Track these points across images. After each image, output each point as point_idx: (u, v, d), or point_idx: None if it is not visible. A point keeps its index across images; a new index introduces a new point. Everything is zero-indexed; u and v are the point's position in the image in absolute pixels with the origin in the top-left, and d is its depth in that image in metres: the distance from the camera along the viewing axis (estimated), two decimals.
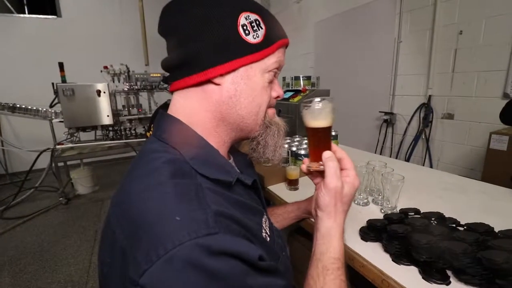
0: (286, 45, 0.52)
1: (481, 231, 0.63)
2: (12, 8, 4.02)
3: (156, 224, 0.33)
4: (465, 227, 0.67)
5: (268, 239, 0.47)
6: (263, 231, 0.47)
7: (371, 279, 0.61)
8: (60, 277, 1.93)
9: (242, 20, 0.45)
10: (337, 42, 3.33)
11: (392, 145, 2.90)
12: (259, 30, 0.46)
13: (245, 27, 0.45)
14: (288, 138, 1.38)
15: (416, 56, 2.51)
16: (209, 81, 0.46)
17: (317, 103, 0.51)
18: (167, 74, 0.52)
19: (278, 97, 0.53)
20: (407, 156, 2.68)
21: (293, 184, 1.05)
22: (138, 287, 0.31)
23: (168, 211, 0.34)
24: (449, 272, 0.57)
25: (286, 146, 1.20)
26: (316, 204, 0.51)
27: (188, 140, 0.46)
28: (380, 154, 2.94)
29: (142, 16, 3.22)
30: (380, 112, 2.91)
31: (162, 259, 0.30)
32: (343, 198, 0.49)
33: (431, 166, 2.53)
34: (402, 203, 0.86)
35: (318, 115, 0.51)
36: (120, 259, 0.34)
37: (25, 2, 4.09)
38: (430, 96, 2.44)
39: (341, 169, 0.51)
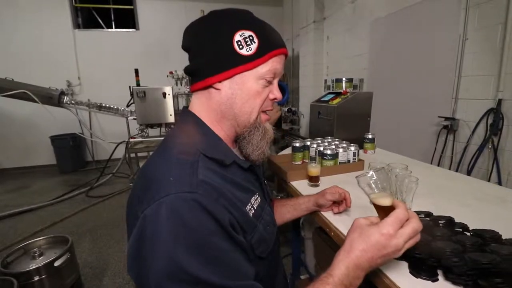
0: (284, 55, 0.61)
1: (486, 236, 0.62)
2: (103, 24, 4.90)
3: (158, 181, 0.48)
4: (471, 233, 0.66)
5: (253, 211, 0.57)
6: (249, 205, 0.57)
7: None
8: (125, 248, 2.32)
9: (237, 37, 0.55)
10: (393, 42, 3.15)
11: (452, 154, 2.61)
12: (252, 44, 0.56)
13: (239, 43, 0.55)
14: (319, 138, 1.43)
15: (485, 55, 2.23)
16: (210, 86, 0.59)
17: (376, 188, 0.56)
18: None
19: (275, 99, 0.63)
20: (469, 167, 2.39)
21: (313, 181, 1.10)
22: (138, 219, 0.46)
23: (167, 174, 0.49)
24: (439, 272, 0.58)
25: (301, 144, 1.26)
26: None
27: (197, 129, 0.60)
28: (438, 164, 2.68)
29: None
30: (439, 117, 2.65)
31: (156, 202, 0.45)
32: (384, 250, 0.48)
33: (499, 181, 2.21)
34: (424, 208, 0.86)
35: (382, 197, 0.55)
36: (137, 203, 0.50)
37: (112, 18, 4.93)
38: (500, 100, 2.15)
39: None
